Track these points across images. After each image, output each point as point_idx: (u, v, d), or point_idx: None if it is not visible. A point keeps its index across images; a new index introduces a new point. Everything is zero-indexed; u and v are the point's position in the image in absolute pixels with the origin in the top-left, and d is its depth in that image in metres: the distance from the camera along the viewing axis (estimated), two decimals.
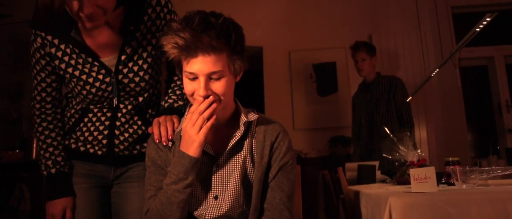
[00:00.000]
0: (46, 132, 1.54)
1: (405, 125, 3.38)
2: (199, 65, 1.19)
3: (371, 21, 4.67)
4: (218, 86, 1.23)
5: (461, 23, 4.67)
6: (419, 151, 2.56)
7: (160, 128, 1.38)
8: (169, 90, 1.61)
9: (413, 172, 1.57)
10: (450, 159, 1.91)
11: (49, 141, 1.54)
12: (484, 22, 1.72)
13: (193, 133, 1.22)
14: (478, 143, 4.82)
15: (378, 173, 2.85)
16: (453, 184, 1.87)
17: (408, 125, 3.39)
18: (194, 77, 1.22)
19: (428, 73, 4.31)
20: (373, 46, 3.61)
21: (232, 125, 1.35)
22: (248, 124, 1.35)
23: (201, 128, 1.22)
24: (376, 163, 2.89)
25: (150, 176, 1.36)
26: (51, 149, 1.53)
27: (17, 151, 3.58)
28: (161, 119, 1.42)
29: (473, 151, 4.75)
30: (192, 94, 1.25)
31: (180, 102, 1.55)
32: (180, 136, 1.31)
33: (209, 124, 1.22)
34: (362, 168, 2.77)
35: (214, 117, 1.23)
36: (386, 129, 3.04)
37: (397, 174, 2.50)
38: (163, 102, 1.58)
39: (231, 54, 1.22)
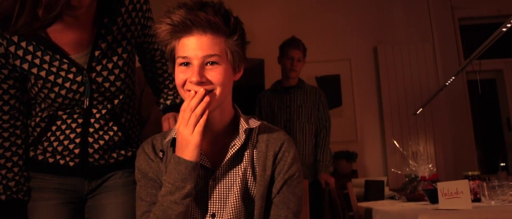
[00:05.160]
0: (0, 150, 1.34)
1: (322, 141, 3.02)
2: (193, 46, 1.09)
3: (376, 33, 4.62)
4: (214, 74, 1.11)
5: (468, 36, 4.62)
6: (430, 165, 2.44)
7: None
8: (161, 86, 1.51)
9: (441, 186, 1.41)
10: (470, 173, 1.77)
11: (2, 161, 1.34)
12: None
13: (186, 133, 1.09)
14: (485, 159, 4.69)
15: (386, 189, 2.75)
16: (474, 200, 1.73)
17: (325, 141, 3.03)
18: (187, 63, 1.11)
19: (434, 85, 4.21)
20: (306, 47, 3.26)
21: (231, 133, 1.21)
22: (249, 132, 1.21)
23: (195, 127, 1.09)
24: (385, 179, 2.79)
25: (141, 190, 1.22)
26: (3, 172, 1.34)
27: None
28: (170, 114, 1.42)
29: (480, 167, 4.62)
30: (184, 85, 1.13)
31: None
32: (172, 144, 1.18)
33: (202, 121, 1.09)
34: (369, 184, 2.68)
35: (206, 112, 1.10)
36: (395, 142, 2.92)
37: (408, 189, 2.37)
38: (161, 100, 1.48)
39: (229, 39, 1.12)
